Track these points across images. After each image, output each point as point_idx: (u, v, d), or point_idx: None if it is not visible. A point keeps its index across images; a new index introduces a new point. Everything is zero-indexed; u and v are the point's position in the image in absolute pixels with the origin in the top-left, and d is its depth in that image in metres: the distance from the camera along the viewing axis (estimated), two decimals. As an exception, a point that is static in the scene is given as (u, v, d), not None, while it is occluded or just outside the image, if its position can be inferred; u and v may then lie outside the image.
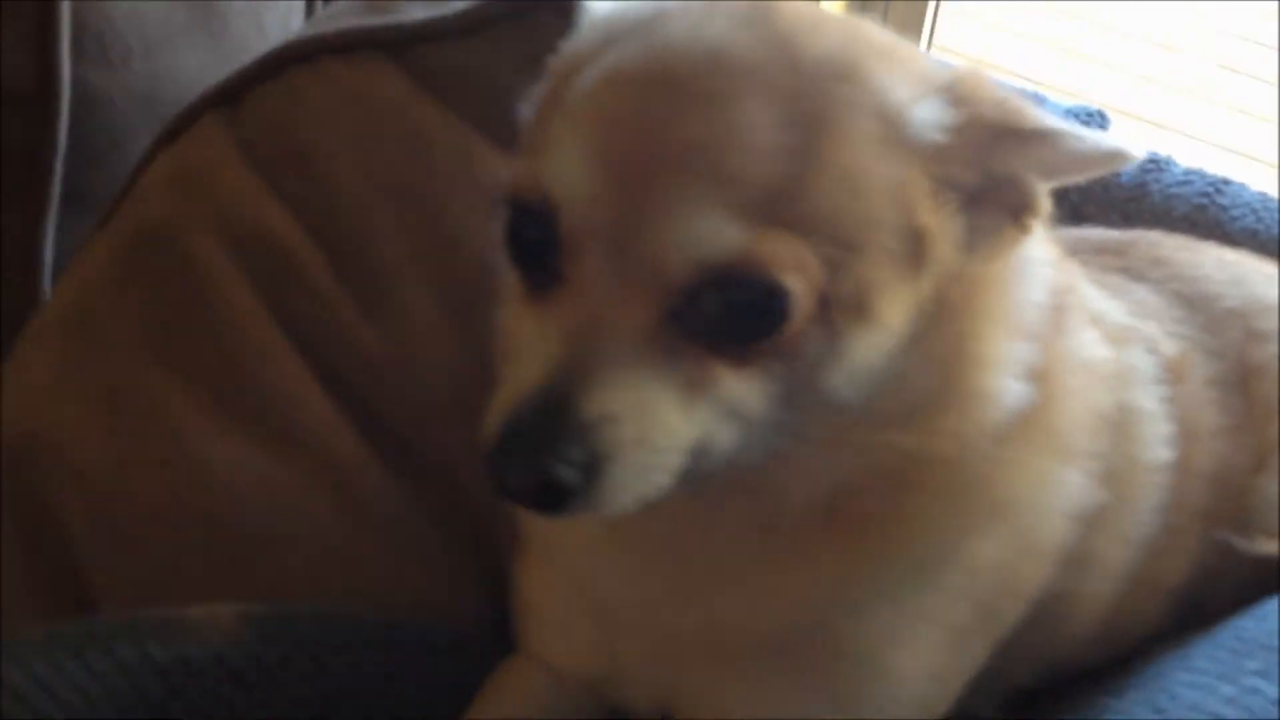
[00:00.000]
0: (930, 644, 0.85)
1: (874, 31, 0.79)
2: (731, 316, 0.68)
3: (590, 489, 0.67)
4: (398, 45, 1.06)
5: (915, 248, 0.71)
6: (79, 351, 1.01)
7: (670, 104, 0.68)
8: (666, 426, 0.69)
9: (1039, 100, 1.51)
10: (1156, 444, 0.92)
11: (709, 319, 0.68)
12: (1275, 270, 1.17)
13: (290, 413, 0.98)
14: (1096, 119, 1.51)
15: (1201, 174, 1.45)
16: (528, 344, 0.71)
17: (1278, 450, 1.02)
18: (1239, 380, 1.03)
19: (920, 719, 0.87)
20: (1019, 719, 0.96)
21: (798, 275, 0.67)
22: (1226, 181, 1.43)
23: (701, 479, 0.72)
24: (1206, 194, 1.42)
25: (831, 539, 0.82)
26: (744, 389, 0.70)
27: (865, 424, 0.76)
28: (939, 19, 2.38)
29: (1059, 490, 0.85)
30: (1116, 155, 0.74)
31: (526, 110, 0.84)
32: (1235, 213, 1.40)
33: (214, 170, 1.06)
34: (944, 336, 0.76)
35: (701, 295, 0.67)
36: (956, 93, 0.73)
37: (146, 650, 0.85)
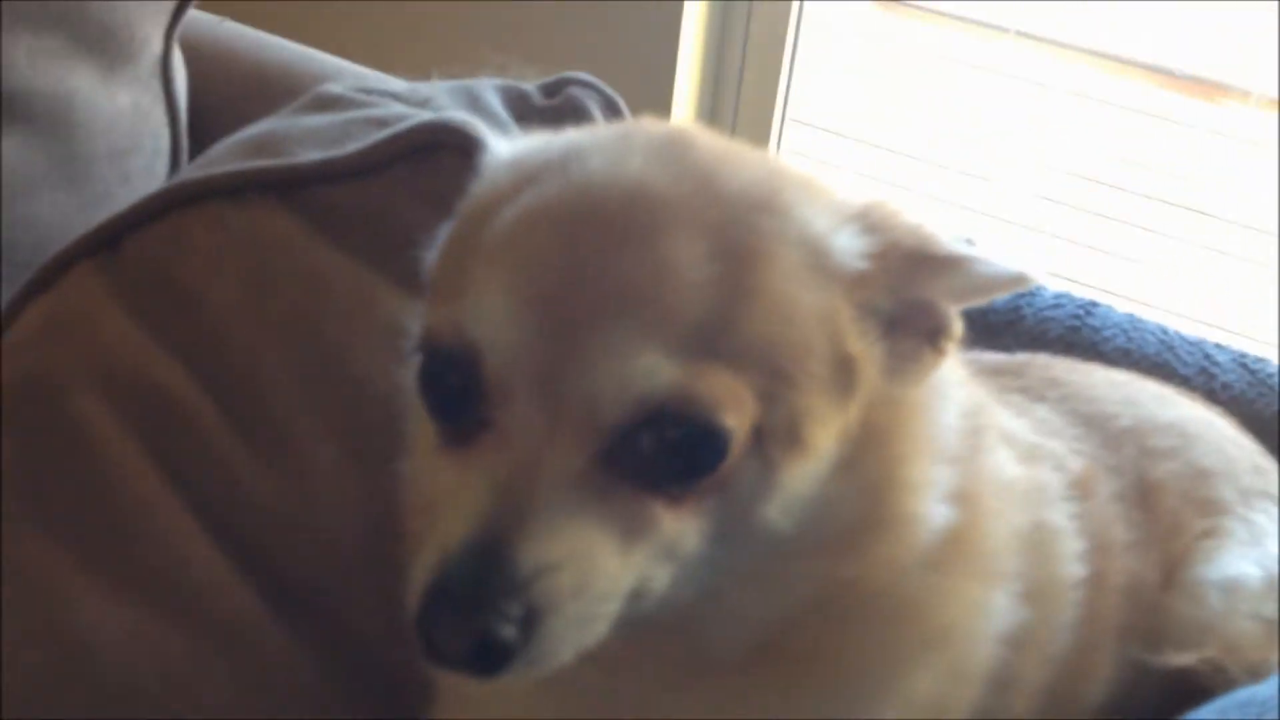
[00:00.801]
0: None
1: (786, 164, 0.80)
2: (668, 455, 0.66)
3: (530, 646, 0.64)
4: (290, 187, 1.04)
5: (844, 375, 0.72)
6: (-58, 513, 0.93)
7: (595, 241, 0.67)
8: (606, 572, 0.66)
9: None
10: (1071, 560, 0.93)
11: (645, 458, 0.66)
12: (1160, 390, 1.22)
13: (180, 573, 0.91)
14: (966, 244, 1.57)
15: (1070, 297, 1.51)
16: (448, 496, 0.68)
17: (1180, 570, 1.05)
18: (1140, 497, 1.05)
19: None
20: None
21: (734, 410, 0.66)
22: (1094, 304, 1.50)
23: (635, 622, 0.70)
24: (1078, 316, 1.48)
25: (766, 679, 0.80)
26: (681, 528, 0.68)
27: (798, 556, 0.75)
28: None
29: (988, 614, 0.85)
30: (1021, 278, 0.76)
31: (431, 254, 0.82)
32: (1107, 333, 1.46)
33: (91, 319, 1.00)
34: (871, 462, 0.76)
35: (637, 435, 0.66)
36: (871, 220, 0.75)
37: None
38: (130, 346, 0.98)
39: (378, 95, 1.15)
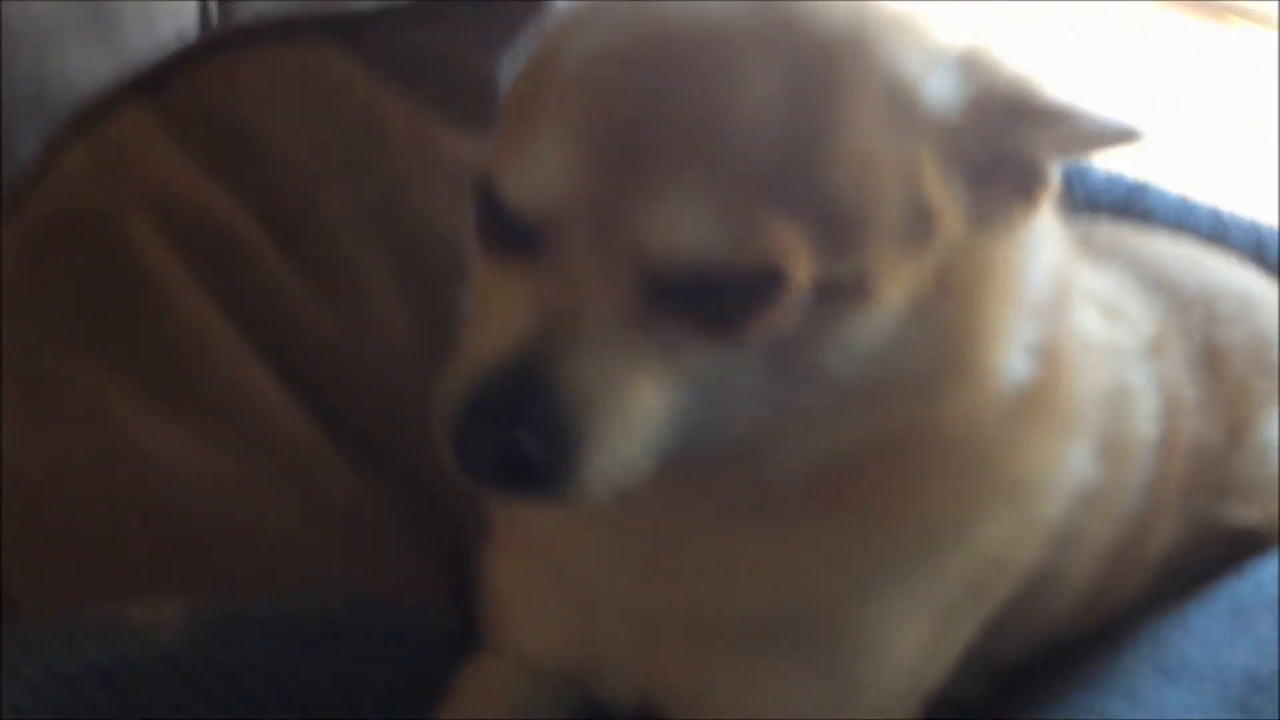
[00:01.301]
0: (925, 624, 0.83)
1: (885, 2, 0.77)
2: (720, 297, 0.65)
3: (562, 472, 0.63)
4: (348, 30, 1.03)
5: (921, 226, 0.69)
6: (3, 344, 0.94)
7: (664, 82, 0.65)
8: (647, 406, 0.65)
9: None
10: (1147, 420, 0.92)
11: (696, 299, 0.65)
12: (1221, 257, 1.21)
13: (236, 400, 0.93)
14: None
15: (1122, 178, 1.50)
16: (497, 308, 0.67)
17: (1246, 432, 1.05)
18: (1208, 360, 1.04)
19: (908, 698, 0.85)
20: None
21: (791, 258, 0.64)
22: (1146, 185, 1.49)
23: (686, 458, 0.69)
24: (1129, 197, 1.48)
25: (826, 517, 0.79)
26: (731, 369, 0.67)
27: (863, 398, 0.73)
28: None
29: (1065, 469, 0.84)
30: (1130, 133, 0.73)
31: (506, 82, 0.80)
32: (1159, 215, 1.45)
33: (144, 155, 1.00)
34: (950, 311, 0.73)
35: (690, 276, 0.64)
36: (971, 65, 0.72)
37: (84, 655, 0.78)
38: (184, 181, 0.99)
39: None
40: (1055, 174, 0.75)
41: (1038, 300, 0.80)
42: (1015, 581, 0.85)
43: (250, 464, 0.91)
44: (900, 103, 0.68)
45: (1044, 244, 0.82)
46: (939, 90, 0.69)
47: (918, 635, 0.82)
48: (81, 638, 0.79)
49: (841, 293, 0.67)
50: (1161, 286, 1.08)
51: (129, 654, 0.79)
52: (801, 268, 0.64)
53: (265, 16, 1.07)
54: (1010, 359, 0.78)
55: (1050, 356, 0.81)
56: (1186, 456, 0.98)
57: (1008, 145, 0.72)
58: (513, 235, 0.68)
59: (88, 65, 1.33)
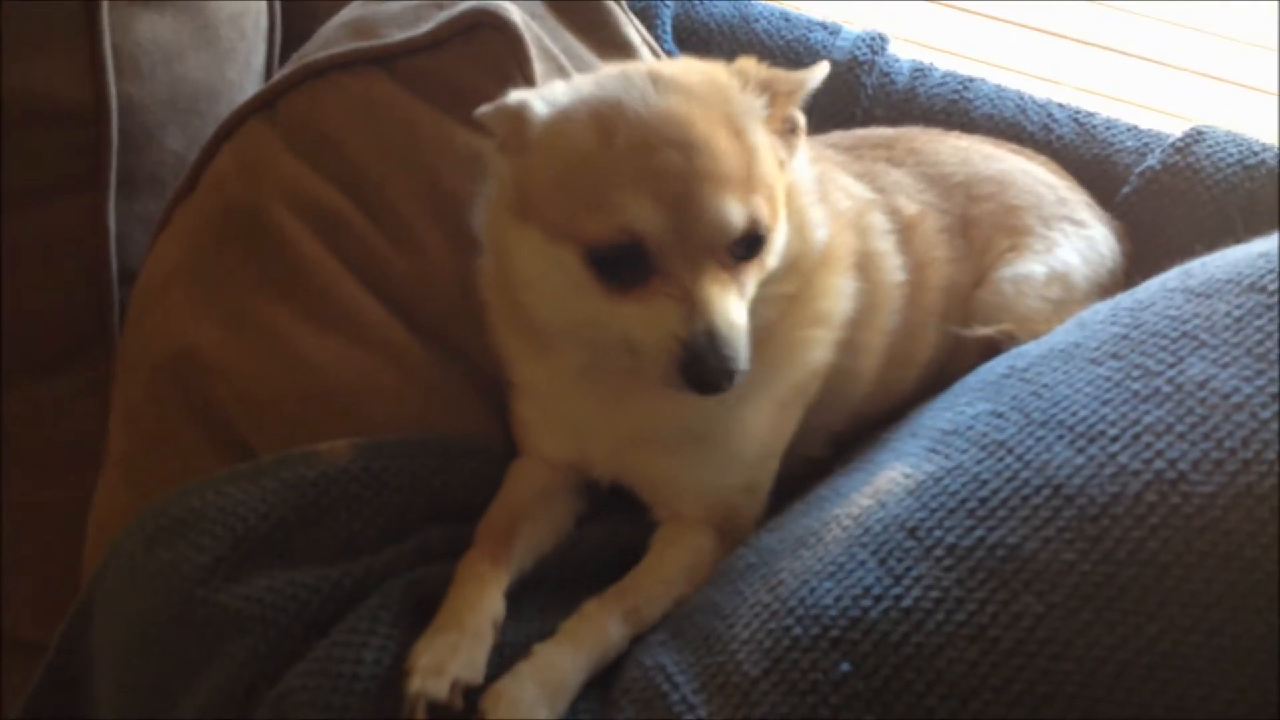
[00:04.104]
0: (771, 414, 1.40)
1: (698, 64, 1.32)
2: (745, 247, 1.22)
3: (741, 367, 1.20)
4: (386, 60, 1.52)
5: (781, 171, 1.27)
6: (202, 293, 1.47)
7: (679, 154, 1.18)
8: (745, 320, 1.23)
9: (836, 29, 2.02)
10: (893, 270, 1.47)
11: (736, 253, 1.21)
12: (991, 150, 1.71)
13: (359, 317, 1.45)
14: (879, 40, 2.03)
15: (954, 74, 1.98)
16: (642, 320, 1.21)
17: (988, 274, 1.58)
18: (961, 228, 1.57)
19: (766, 460, 1.42)
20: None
21: (767, 214, 1.22)
22: (971, 79, 1.96)
23: None
24: (957, 90, 1.95)
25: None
26: (751, 284, 1.25)
27: (774, 280, 1.30)
28: None
29: (845, 297, 1.40)
30: (822, 71, 1.33)
31: (513, 176, 1.28)
32: (978, 103, 1.93)
33: (270, 159, 1.50)
34: (794, 214, 1.31)
35: (735, 244, 1.20)
36: (758, 82, 1.28)
37: (299, 471, 1.35)
38: (301, 178, 1.49)
39: (432, -22, 1.61)
40: (802, 118, 1.32)
41: (815, 189, 1.36)
42: (820, 381, 1.41)
43: (372, 356, 1.42)
44: (754, 115, 1.25)
45: (808, 168, 1.38)
46: (759, 102, 1.27)
47: (766, 422, 1.39)
48: (297, 463, 1.35)
49: (774, 222, 1.24)
50: (935, 179, 1.60)
51: (323, 469, 1.35)
52: (769, 216, 1.22)
53: (333, 51, 1.56)
54: (819, 229, 1.34)
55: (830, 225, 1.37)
56: (938, 293, 1.52)
57: (785, 111, 1.29)
58: (632, 274, 1.20)
59: (202, 69, 1.77)
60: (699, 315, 1.17)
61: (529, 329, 1.35)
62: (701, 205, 1.17)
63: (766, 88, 1.28)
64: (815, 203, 1.36)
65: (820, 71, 1.32)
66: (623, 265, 1.19)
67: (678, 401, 1.30)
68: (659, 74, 1.25)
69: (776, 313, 1.33)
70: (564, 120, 1.24)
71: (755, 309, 1.28)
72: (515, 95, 1.27)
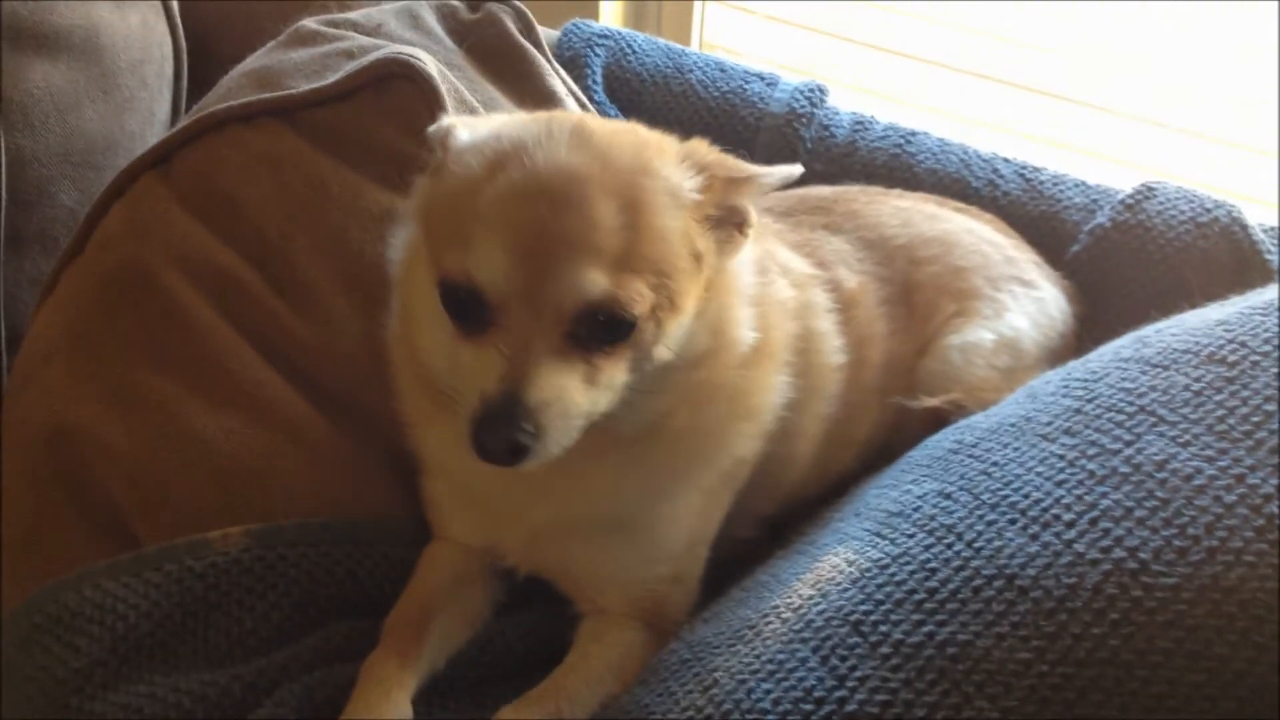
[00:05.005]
0: (697, 504, 1.32)
1: (640, 129, 1.22)
2: (602, 330, 1.10)
3: (538, 450, 1.09)
4: (290, 111, 1.43)
5: (696, 262, 1.16)
6: (85, 364, 1.36)
7: (552, 208, 1.08)
8: (577, 404, 1.11)
9: (773, 80, 1.96)
10: (833, 353, 1.39)
11: (589, 334, 1.10)
12: (934, 210, 1.64)
13: (257, 391, 1.35)
14: (818, 91, 1.96)
15: (896, 128, 1.92)
16: (472, 367, 1.11)
17: (934, 341, 1.50)
18: (904, 296, 1.50)
19: (694, 548, 1.33)
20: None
21: (639, 299, 1.10)
22: (914, 133, 1.90)
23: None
24: (899, 144, 1.89)
25: (648, 450, 1.26)
26: (614, 372, 1.13)
27: (674, 371, 1.20)
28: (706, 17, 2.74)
29: (776, 392, 1.31)
30: (788, 175, 1.21)
31: (417, 187, 1.20)
32: (920, 157, 1.87)
33: (163, 219, 1.41)
34: (714, 309, 1.21)
35: (585, 320, 1.09)
36: (698, 162, 1.17)
37: (185, 563, 1.25)
38: (194, 238, 1.39)
39: (343, 27, 1.52)
40: (753, 214, 1.21)
41: (752, 290, 1.27)
42: (749, 467, 1.33)
43: (270, 434, 1.33)
44: (673, 197, 1.14)
45: (748, 250, 1.27)
46: (688, 184, 1.16)
47: (693, 511, 1.31)
48: (184, 554, 1.25)
49: (665, 312, 1.13)
50: (875, 244, 1.53)
51: (213, 560, 1.25)
52: (644, 301, 1.10)
53: (232, 103, 1.46)
54: (745, 332, 1.25)
55: (763, 321, 1.27)
56: (877, 370, 1.45)
57: (727, 203, 1.19)
58: (469, 314, 1.10)
59: (99, 120, 1.70)
60: (512, 377, 1.07)
61: (429, 384, 1.26)
62: (551, 268, 1.07)
63: (703, 170, 1.17)
64: (744, 303, 1.26)
65: (784, 171, 1.22)
66: (469, 307, 1.11)
67: (593, 484, 1.24)
68: (583, 129, 1.15)
69: (687, 403, 1.24)
70: (470, 151, 1.16)
71: (650, 397, 1.19)
72: (450, 119, 1.21)
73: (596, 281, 1.07)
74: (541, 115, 1.23)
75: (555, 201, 1.08)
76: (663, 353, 1.16)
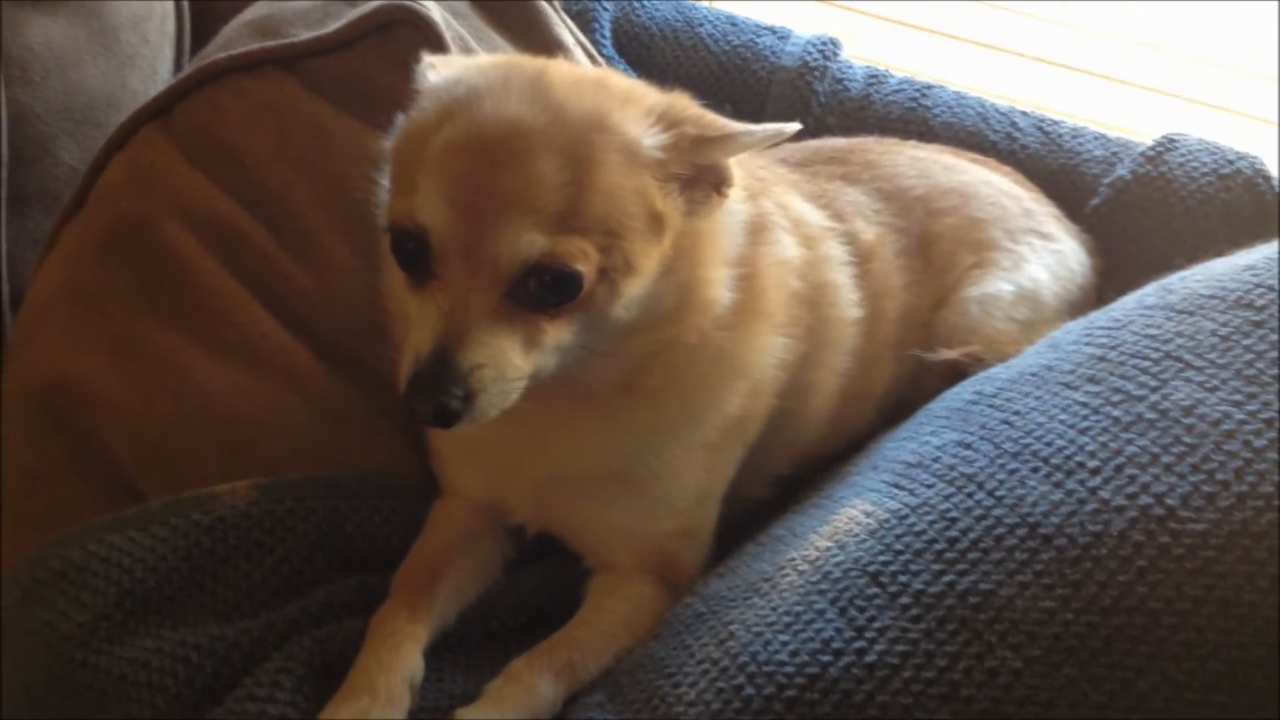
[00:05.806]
0: (699, 460, 1.28)
1: (615, 79, 1.16)
2: (545, 291, 1.05)
3: (469, 411, 1.05)
4: (292, 60, 1.40)
5: (656, 223, 1.10)
6: (86, 317, 1.33)
7: (491, 163, 1.03)
8: (514, 366, 1.07)
9: (785, 34, 1.92)
10: (848, 306, 1.35)
11: (532, 294, 1.05)
12: (951, 160, 1.61)
13: (260, 342, 1.32)
14: (830, 45, 1.93)
15: (911, 82, 1.89)
16: (416, 320, 1.07)
17: (952, 293, 1.47)
18: (921, 248, 1.47)
19: (703, 503, 1.31)
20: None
21: (583, 260, 1.05)
22: (930, 86, 1.87)
23: (540, 384, 1.11)
24: (914, 98, 1.86)
25: (630, 407, 1.23)
26: (559, 334, 1.09)
27: (637, 331, 1.16)
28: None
29: (771, 350, 1.27)
30: (777, 132, 1.15)
31: (390, 139, 1.16)
32: (936, 111, 1.84)
33: (164, 170, 1.38)
34: (683, 269, 1.16)
35: (526, 280, 1.04)
36: (669, 118, 1.12)
37: (192, 517, 1.22)
38: (195, 188, 1.36)
39: (345, -27, 1.48)
40: (731, 174, 1.15)
41: (735, 249, 1.22)
42: (759, 423, 1.30)
43: (274, 385, 1.30)
44: (630, 155, 1.08)
45: (737, 213, 1.23)
46: (651, 141, 1.10)
47: (697, 465, 1.28)
48: (190, 508, 1.23)
49: (617, 273, 1.08)
50: (892, 195, 1.50)
51: (220, 514, 1.23)
52: (589, 262, 1.05)
53: (233, 52, 1.43)
54: (720, 292, 1.21)
55: (752, 279, 1.23)
56: (896, 323, 1.42)
57: (700, 162, 1.13)
58: (414, 261, 1.06)
59: (100, 76, 1.66)
60: (447, 335, 1.04)
61: None
62: (489, 225, 1.03)
63: (674, 126, 1.11)
64: (720, 263, 1.20)
65: (769, 129, 1.14)
66: (414, 256, 1.07)
67: (589, 437, 1.22)
68: (542, 79, 1.10)
69: (660, 363, 1.20)
70: (429, 95, 1.12)
71: (610, 359, 1.16)
72: (430, 58, 1.17)
73: (534, 241, 1.02)
74: (509, 60, 1.18)
75: (495, 155, 1.03)
76: (620, 313, 1.11)
